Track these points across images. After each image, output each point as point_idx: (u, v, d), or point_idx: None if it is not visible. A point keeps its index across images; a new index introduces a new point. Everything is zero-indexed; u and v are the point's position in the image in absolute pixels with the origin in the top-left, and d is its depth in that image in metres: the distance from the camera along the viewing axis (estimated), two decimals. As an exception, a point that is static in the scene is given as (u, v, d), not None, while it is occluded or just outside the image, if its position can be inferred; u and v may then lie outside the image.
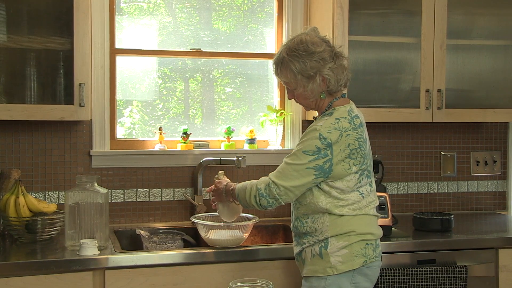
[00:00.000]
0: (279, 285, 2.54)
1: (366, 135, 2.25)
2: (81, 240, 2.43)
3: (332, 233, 2.18)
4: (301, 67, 2.19)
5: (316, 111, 2.34)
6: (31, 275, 2.32)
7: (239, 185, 2.33)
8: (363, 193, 2.22)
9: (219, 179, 2.52)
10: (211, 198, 2.55)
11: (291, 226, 2.34)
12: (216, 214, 2.68)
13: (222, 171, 2.59)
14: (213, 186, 2.51)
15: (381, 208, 2.72)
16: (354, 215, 2.19)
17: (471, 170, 3.52)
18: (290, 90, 2.30)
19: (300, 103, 2.33)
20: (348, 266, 2.16)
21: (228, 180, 2.49)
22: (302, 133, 3.21)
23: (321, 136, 2.14)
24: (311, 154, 2.14)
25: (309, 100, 2.27)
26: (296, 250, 2.31)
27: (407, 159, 3.43)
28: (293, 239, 2.34)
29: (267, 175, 2.25)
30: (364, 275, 2.20)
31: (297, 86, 2.24)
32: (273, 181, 2.19)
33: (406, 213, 3.32)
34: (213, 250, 2.52)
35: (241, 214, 2.68)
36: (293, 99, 2.33)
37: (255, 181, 2.26)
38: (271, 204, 2.21)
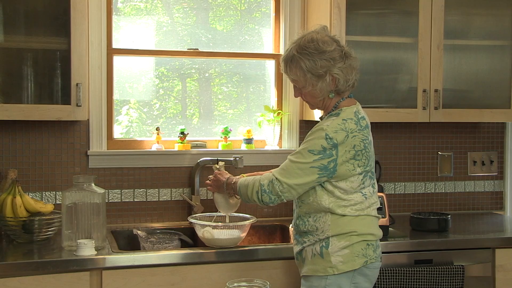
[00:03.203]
0: (277, 285, 2.54)
1: (371, 136, 2.26)
2: (78, 240, 2.43)
3: (333, 233, 2.18)
4: (311, 66, 2.19)
5: (321, 111, 2.34)
6: (28, 275, 2.32)
7: (241, 180, 2.33)
8: (366, 194, 2.23)
9: (219, 170, 2.52)
10: (208, 187, 2.56)
11: (292, 224, 2.34)
12: (214, 214, 2.68)
13: (223, 162, 2.59)
14: (212, 176, 2.52)
15: (379, 208, 2.71)
16: (356, 216, 2.20)
17: (468, 170, 3.53)
18: (297, 88, 2.30)
19: (306, 102, 2.33)
20: (349, 266, 2.17)
21: (227, 172, 2.50)
22: (300, 133, 3.25)
23: (327, 136, 2.14)
24: (316, 154, 2.14)
25: (317, 99, 2.27)
26: (296, 249, 2.30)
27: (404, 159, 3.43)
28: (293, 238, 2.34)
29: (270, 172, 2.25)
30: (364, 276, 2.20)
31: (306, 85, 2.23)
32: (276, 178, 2.19)
33: (403, 213, 3.32)
34: (210, 250, 2.52)
35: (238, 214, 2.69)
36: (299, 97, 2.33)
37: (258, 176, 2.27)
38: (273, 200, 2.21)
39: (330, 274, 2.16)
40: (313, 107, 2.34)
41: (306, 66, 2.19)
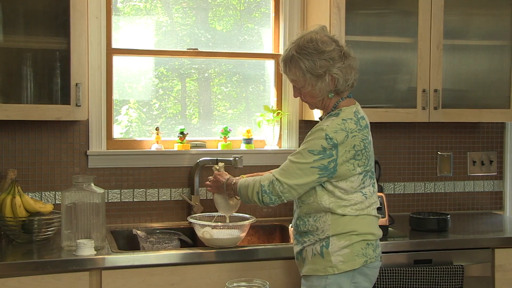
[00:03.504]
0: (276, 285, 2.54)
1: (370, 136, 2.26)
2: (77, 240, 2.43)
3: (333, 232, 2.18)
4: (310, 66, 2.19)
5: (320, 111, 2.35)
6: (27, 275, 2.32)
7: (241, 181, 2.33)
8: (366, 194, 2.23)
9: (219, 171, 2.52)
10: (208, 188, 2.56)
11: (293, 224, 2.34)
12: (214, 214, 2.68)
13: (223, 163, 2.59)
14: (212, 177, 2.52)
15: (378, 208, 2.72)
16: (356, 215, 2.20)
17: (467, 170, 3.53)
18: (296, 89, 2.30)
19: (306, 102, 2.33)
20: (349, 266, 2.17)
21: (227, 173, 2.50)
22: (299, 133, 3.25)
23: (327, 136, 2.14)
24: (317, 154, 2.15)
25: (316, 99, 2.27)
26: (296, 249, 2.30)
27: (403, 159, 3.43)
28: (293, 238, 2.34)
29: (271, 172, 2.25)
30: (364, 275, 2.20)
31: (305, 85, 2.23)
32: (277, 179, 2.19)
33: (403, 213, 3.32)
34: (210, 250, 2.52)
35: (238, 214, 2.69)
36: (298, 97, 2.34)
37: (258, 177, 2.27)
38: (273, 201, 2.21)
39: (330, 274, 2.17)
40: (312, 107, 2.35)
41: (305, 66, 2.20)
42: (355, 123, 2.20)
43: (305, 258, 2.25)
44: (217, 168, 2.55)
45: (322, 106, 2.30)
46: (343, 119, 2.19)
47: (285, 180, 2.17)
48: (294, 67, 2.23)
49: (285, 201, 2.22)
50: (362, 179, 2.21)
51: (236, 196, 2.47)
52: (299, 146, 2.26)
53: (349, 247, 2.17)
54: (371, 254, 2.21)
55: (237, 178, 2.41)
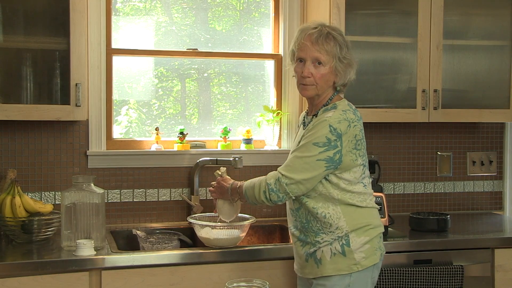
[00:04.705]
0: (276, 285, 2.54)
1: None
2: (77, 241, 2.43)
3: (351, 228, 2.18)
4: (342, 49, 2.24)
5: (307, 108, 2.35)
6: (27, 275, 2.32)
7: (246, 183, 2.31)
8: (366, 185, 2.25)
9: (222, 176, 2.50)
10: (212, 194, 2.53)
11: (297, 224, 2.29)
12: (213, 214, 2.67)
13: (225, 168, 2.56)
14: (215, 183, 2.51)
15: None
16: (363, 207, 2.22)
17: (467, 170, 3.53)
18: (313, 65, 2.21)
19: (304, 85, 2.23)
20: (371, 261, 2.19)
21: (230, 178, 2.48)
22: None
23: (331, 127, 2.14)
24: (322, 146, 2.14)
25: (327, 83, 2.23)
26: (307, 249, 2.24)
27: (403, 159, 3.43)
28: (298, 238, 2.29)
29: (276, 170, 2.23)
30: (378, 269, 2.25)
31: (332, 63, 2.20)
32: (283, 175, 2.17)
33: (403, 213, 3.33)
34: (209, 250, 2.52)
35: (238, 214, 2.68)
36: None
37: (263, 177, 2.24)
38: (281, 199, 2.19)
39: (355, 271, 2.17)
40: (309, 92, 2.25)
41: (339, 46, 2.22)
42: (353, 113, 2.23)
43: (321, 259, 2.20)
44: (220, 173, 2.52)
45: (320, 95, 2.26)
46: (342, 110, 2.21)
47: (291, 176, 2.15)
48: (331, 40, 2.22)
49: (293, 197, 2.21)
50: (362, 169, 2.23)
51: (241, 199, 2.43)
52: (301, 141, 2.23)
53: (370, 242, 2.19)
54: (382, 246, 2.26)
55: (240, 182, 2.40)
